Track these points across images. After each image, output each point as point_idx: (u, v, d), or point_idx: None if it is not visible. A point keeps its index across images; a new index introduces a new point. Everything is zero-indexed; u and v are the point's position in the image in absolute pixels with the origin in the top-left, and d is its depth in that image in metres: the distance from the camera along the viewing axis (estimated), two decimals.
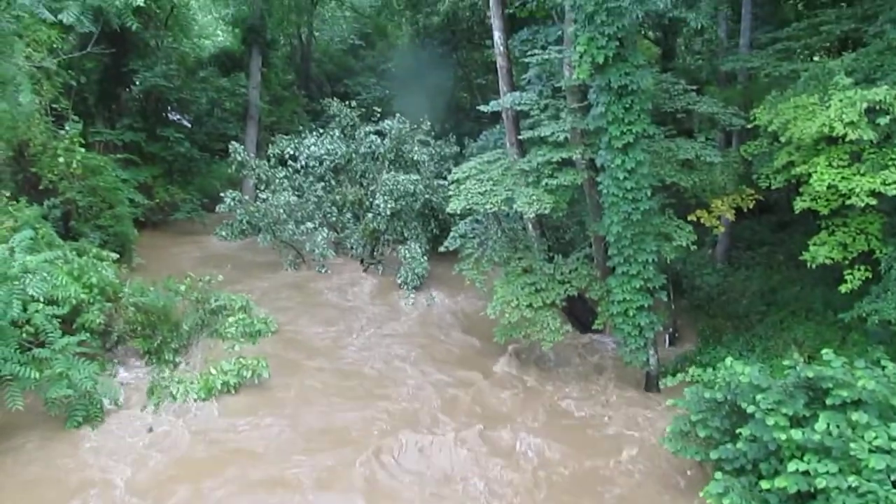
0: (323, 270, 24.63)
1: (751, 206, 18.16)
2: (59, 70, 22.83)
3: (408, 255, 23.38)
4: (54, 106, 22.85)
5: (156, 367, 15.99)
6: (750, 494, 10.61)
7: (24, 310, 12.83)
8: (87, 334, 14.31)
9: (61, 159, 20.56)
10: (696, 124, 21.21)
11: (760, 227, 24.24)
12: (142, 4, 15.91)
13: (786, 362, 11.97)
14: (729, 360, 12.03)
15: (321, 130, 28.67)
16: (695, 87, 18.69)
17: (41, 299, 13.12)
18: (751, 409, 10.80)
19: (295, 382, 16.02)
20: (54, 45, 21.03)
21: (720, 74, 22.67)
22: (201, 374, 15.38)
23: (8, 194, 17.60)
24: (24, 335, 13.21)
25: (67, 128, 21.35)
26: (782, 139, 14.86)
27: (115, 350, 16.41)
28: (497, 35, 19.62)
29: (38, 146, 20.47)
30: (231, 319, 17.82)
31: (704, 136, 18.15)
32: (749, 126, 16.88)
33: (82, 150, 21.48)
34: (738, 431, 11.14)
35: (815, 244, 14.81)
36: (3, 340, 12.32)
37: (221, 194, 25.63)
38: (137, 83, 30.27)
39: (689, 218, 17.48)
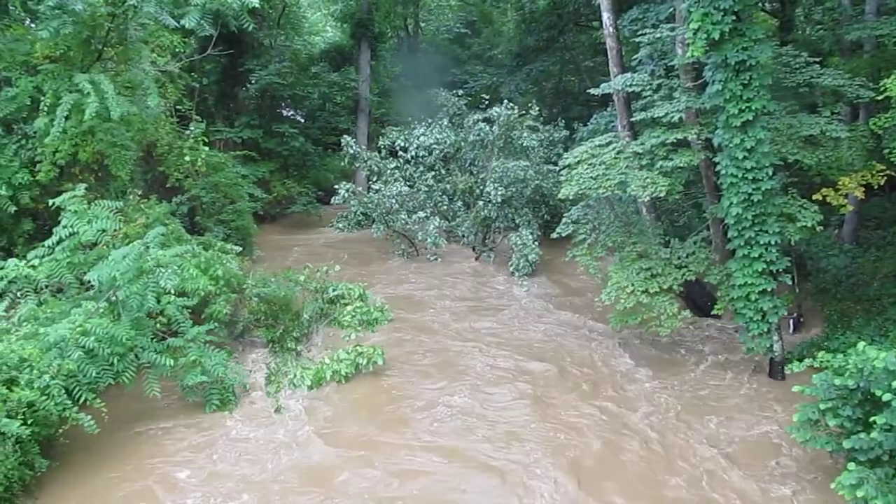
0: (434, 259, 24.92)
1: (881, 183, 17.15)
2: (182, 73, 23.88)
3: (519, 242, 23.36)
4: (178, 107, 23.97)
5: (279, 355, 16.57)
6: (886, 487, 10.09)
7: (158, 301, 13.53)
8: (215, 324, 14.96)
9: (187, 158, 21.55)
10: (819, 98, 20.19)
11: (892, 205, 22.86)
12: (257, 5, 16.42)
13: None
14: (861, 345, 11.42)
15: (430, 120, 28.97)
16: (817, 59, 17.77)
17: (173, 291, 13.79)
18: (887, 396, 10.25)
19: (409, 369, 16.30)
20: (177, 50, 22.02)
21: (844, 44, 21.46)
22: (318, 362, 15.85)
23: (139, 193, 18.57)
24: (157, 326, 13.95)
25: (191, 128, 22.35)
26: None
27: (241, 339, 17.12)
28: (606, 15, 19.30)
29: (165, 146, 21.50)
30: (348, 308, 18.24)
31: (829, 111, 17.23)
32: (878, 98, 15.93)
33: (205, 148, 22.45)
34: (871, 420, 10.60)
35: None
36: (140, 331, 13.02)
37: (335, 187, 26.34)
38: (253, 82, 31.42)
39: (813, 197, 16.68)
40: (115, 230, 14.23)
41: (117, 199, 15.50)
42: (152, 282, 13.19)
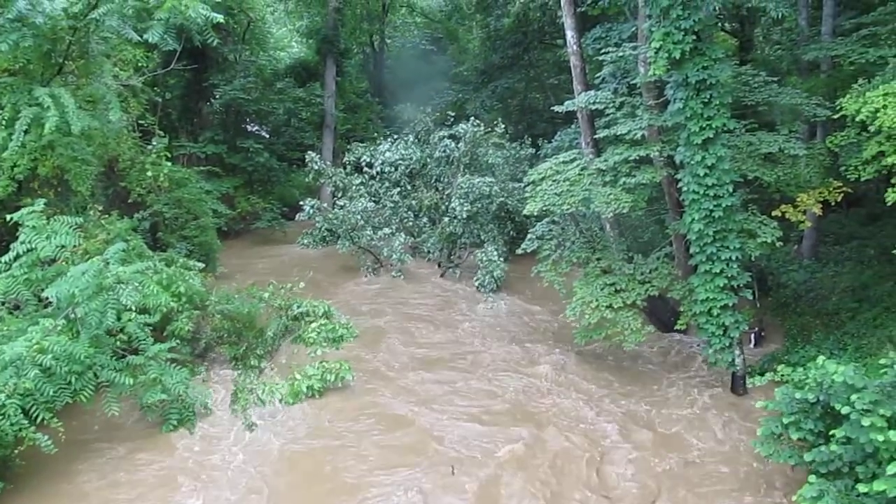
0: (398, 275, 24.86)
1: (838, 200, 17.53)
2: (145, 87, 23.63)
3: (485, 259, 23.41)
4: (141, 122, 23.70)
5: (242, 372, 16.38)
6: (846, 499, 10.23)
7: (118, 318, 13.31)
8: (177, 341, 14.79)
9: (149, 173, 21.28)
10: (777, 117, 20.58)
11: (849, 221, 23.37)
12: (221, 20, 16.32)
13: (882, 361, 11.47)
14: (821, 359, 11.61)
15: (395, 137, 29.01)
16: (775, 79, 18.13)
17: (134, 308, 13.59)
18: (845, 409, 10.41)
19: (378, 385, 16.21)
20: (140, 64, 21.80)
21: (802, 64, 21.92)
22: (287, 378, 15.72)
23: (100, 208, 18.29)
24: (118, 343, 13.72)
25: (154, 142, 22.11)
26: (871, 128, 14.31)
27: (204, 356, 16.90)
28: (569, 34, 19.51)
29: (127, 161, 21.22)
30: (314, 325, 18.09)
31: (787, 129, 17.61)
32: (835, 116, 16.28)
33: (168, 163, 22.20)
34: (832, 433, 10.75)
35: None
36: (99, 348, 12.80)
37: (300, 203, 26.21)
38: (217, 97, 31.20)
39: (773, 213, 16.98)
40: (74, 246, 13.99)
41: (77, 215, 15.21)
42: (112, 298, 12.95)
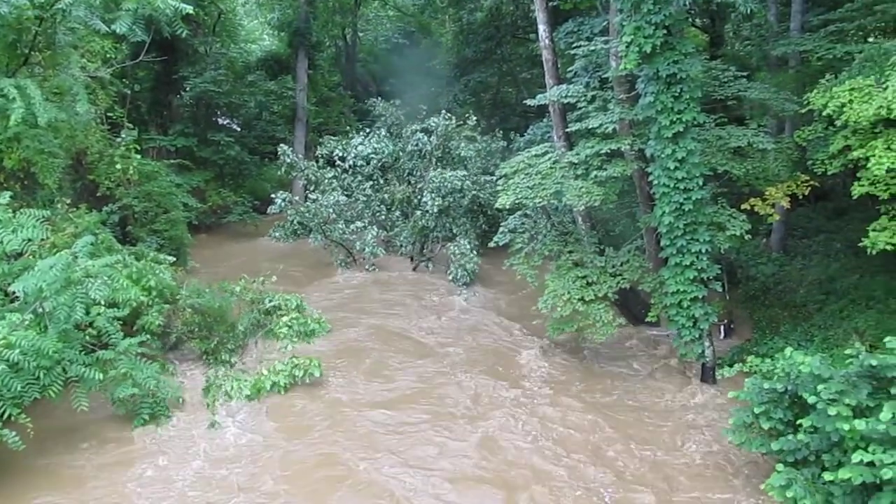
0: (371, 269, 24.82)
1: (806, 194, 17.75)
2: (113, 79, 23.38)
3: (457, 252, 23.43)
4: (109, 114, 23.44)
5: (213, 366, 16.27)
6: (813, 487, 10.41)
7: (87, 313, 13.16)
8: (148, 336, 14.64)
9: (118, 166, 21.06)
10: (747, 111, 20.83)
11: (816, 215, 23.71)
12: (190, 12, 16.16)
13: (847, 351, 11.67)
14: (788, 350, 11.79)
15: (368, 130, 28.94)
16: (745, 74, 18.33)
17: (103, 302, 13.44)
18: (812, 399, 10.59)
19: (346, 381, 16.17)
20: (108, 55, 21.54)
21: (771, 59, 22.21)
22: (254, 374, 15.63)
23: (68, 201, 18.07)
24: (87, 338, 13.57)
25: (123, 135, 21.86)
26: (838, 123, 14.51)
27: (175, 351, 16.77)
28: (542, 28, 19.54)
29: (96, 154, 20.98)
30: (285, 319, 18.07)
31: (756, 123, 17.87)
32: (802, 111, 16.49)
33: (138, 156, 21.98)
34: (799, 422, 10.93)
35: (874, 230, 14.41)
36: (68, 343, 12.64)
37: (272, 196, 26.05)
38: (188, 89, 30.93)
39: (742, 207, 17.18)
40: (41, 240, 13.74)
41: (45, 208, 14.96)
42: (81, 293, 12.80)
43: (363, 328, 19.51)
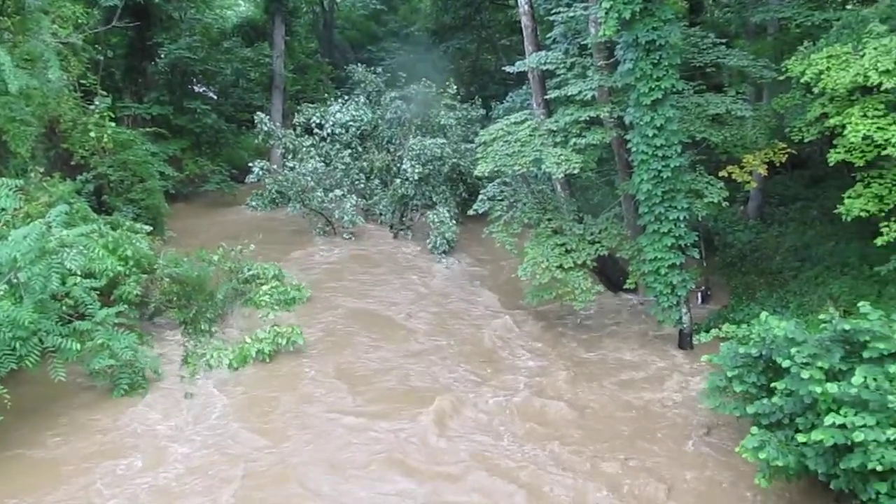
0: (350, 238, 24.74)
1: (783, 161, 17.86)
2: (86, 46, 22.97)
3: (437, 220, 23.39)
4: (82, 82, 23.04)
5: (192, 336, 16.22)
6: (787, 448, 10.58)
7: (63, 283, 13.05)
8: (125, 306, 14.55)
9: (92, 134, 20.77)
10: (725, 79, 20.82)
11: (793, 183, 23.88)
12: None
13: (821, 317, 11.83)
14: (764, 315, 11.92)
15: (346, 98, 28.68)
16: (724, 41, 18.33)
17: (79, 272, 13.33)
18: (786, 363, 10.72)
19: (329, 348, 16.21)
20: (79, 21, 21.10)
21: (750, 27, 22.21)
22: (236, 342, 15.61)
23: (41, 170, 17.82)
24: (63, 308, 13.47)
25: (96, 103, 21.52)
26: (815, 91, 14.57)
27: (153, 321, 16.69)
28: None
29: (69, 122, 20.67)
30: (264, 288, 18.02)
31: (735, 91, 17.84)
32: (781, 79, 16.53)
33: (112, 124, 21.67)
34: (773, 386, 11.08)
35: (849, 197, 14.54)
36: (44, 314, 12.54)
37: (250, 165, 25.80)
38: (162, 56, 30.45)
39: (720, 174, 17.26)
40: (15, 209, 13.63)
41: (17, 177, 14.83)
42: (56, 262, 12.67)
43: (341, 293, 19.52)
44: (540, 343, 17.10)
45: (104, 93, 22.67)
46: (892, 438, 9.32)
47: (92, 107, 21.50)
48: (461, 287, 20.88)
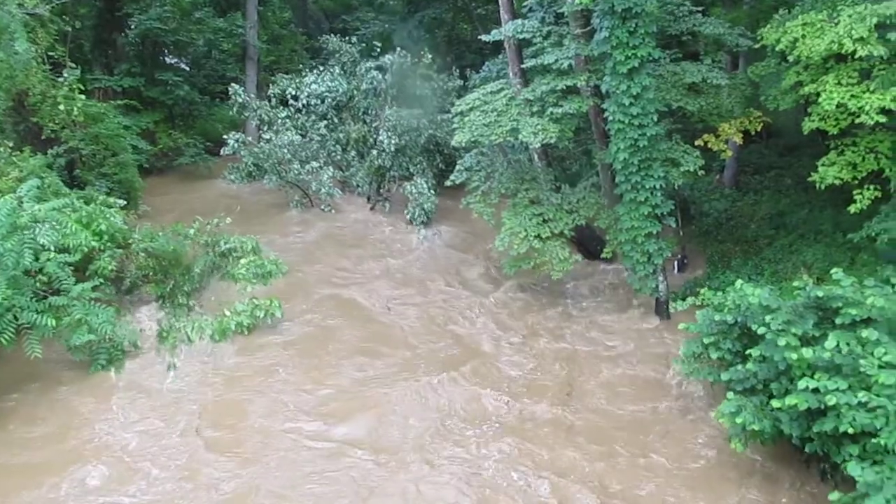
0: (328, 210, 24.61)
1: (758, 130, 17.98)
2: (53, 17, 22.42)
3: (414, 191, 23.30)
4: (50, 54, 22.52)
5: (170, 311, 16.12)
6: (762, 413, 10.77)
7: (37, 259, 12.90)
8: (101, 281, 14.42)
9: (62, 107, 20.36)
10: (702, 47, 20.84)
11: (768, 152, 24.04)
12: None
13: (795, 284, 12.00)
14: (739, 282, 12.06)
15: (321, 68, 28.34)
16: (700, 9, 18.30)
17: (52, 248, 13.18)
18: (761, 329, 10.87)
19: (308, 320, 16.19)
20: None
21: None
22: (215, 316, 15.55)
23: (11, 145, 17.51)
24: (37, 284, 13.32)
25: (66, 75, 21.10)
26: (790, 59, 14.61)
27: (130, 295, 16.55)
28: None
29: (38, 95, 20.26)
30: (242, 262, 17.89)
31: (711, 59, 17.93)
32: (756, 47, 16.57)
33: (82, 97, 21.26)
34: (748, 352, 11.24)
35: (823, 165, 14.68)
36: (18, 290, 12.42)
37: (225, 137, 25.47)
38: (132, 27, 29.81)
39: (696, 143, 17.32)
40: None
41: None
42: (29, 238, 12.55)
43: (319, 266, 19.49)
44: (513, 312, 17.18)
45: (73, 65, 22.20)
46: (863, 401, 9.50)
47: (61, 79, 21.06)
48: (440, 257, 20.86)
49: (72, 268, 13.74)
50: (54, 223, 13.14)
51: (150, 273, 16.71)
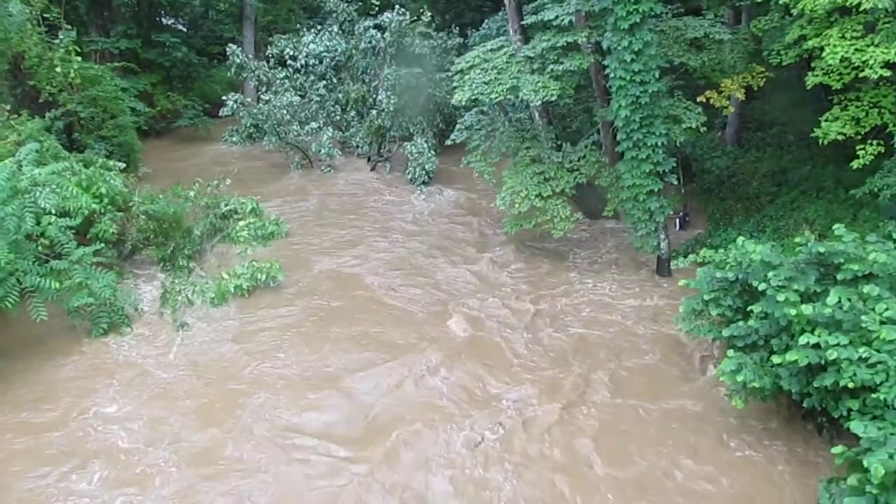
0: (327, 170, 24.53)
1: (761, 85, 17.78)
2: None
3: (415, 151, 23.21)
4: (45, 16, 22.29)
5: (171, 273, 16.16)
6: (762, 370, 10.81)
7: (38, 223, 12.89)
8: (102, 244, 14.41)
9: (58, 69, 20.22)
10: (704, 2, 20.55)
11: (771, 108, 23.81)
12: None
13: (797, 240, 11.98)
14: (740, 239, 12.02)
15: (319, 28, 28.06)
16: None
17: (53, 211, 13.16)
18: (762, 286, 10.87)
19: (307, 281, 16.23)
20: None
21: None
22: (215, 279, 15.58)
23: (8, 108, 17.41)
24: (39, 248, 13.33)
25: (61, 36, 20.90)
26: (794, 12, 14.42)
27: (131, 258, 16.58)
28: None
29: (34, 58, 20.10)
30: (242, 223, 17.91)
31: (713, 14, 17.64)
32: (759, 1, 16.35)
33: (79, 59, 21.08)
34: (749, 309, 11.25)
35: (826, 120, 14.56)
36: (20, 254, 12.43)
37: (223, 99, 25.32)
38: None
39: (698, 99, 17.17)
40: None
41: None
42: (30, 202, 12.52)
43: (321, 226, 19.49)
44: (516, 268, 17.22)
45: (69, 26, 21.99)
46: (864, 356, 9.53)
47: (57, 41, 20.87)
48: (440, 218, 20.84)
49: (73, 231, 13.72)
50: (54, 187, 13.10)
51: (151, 236, 16.73)
